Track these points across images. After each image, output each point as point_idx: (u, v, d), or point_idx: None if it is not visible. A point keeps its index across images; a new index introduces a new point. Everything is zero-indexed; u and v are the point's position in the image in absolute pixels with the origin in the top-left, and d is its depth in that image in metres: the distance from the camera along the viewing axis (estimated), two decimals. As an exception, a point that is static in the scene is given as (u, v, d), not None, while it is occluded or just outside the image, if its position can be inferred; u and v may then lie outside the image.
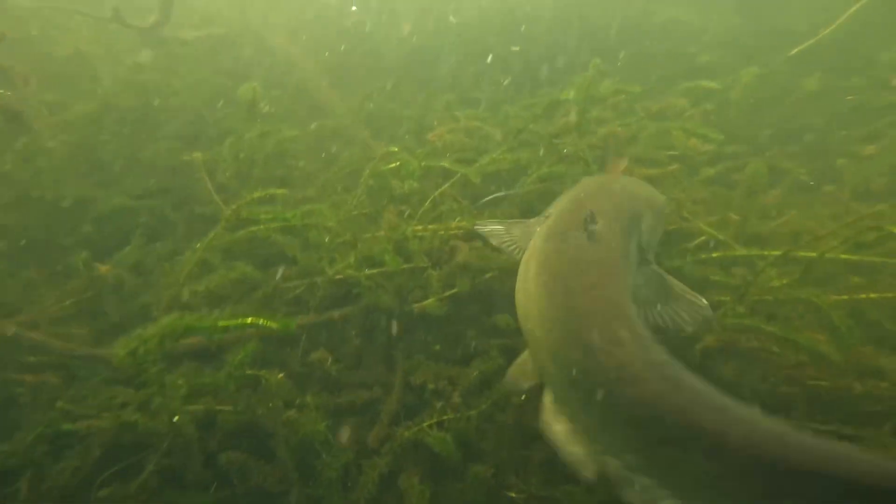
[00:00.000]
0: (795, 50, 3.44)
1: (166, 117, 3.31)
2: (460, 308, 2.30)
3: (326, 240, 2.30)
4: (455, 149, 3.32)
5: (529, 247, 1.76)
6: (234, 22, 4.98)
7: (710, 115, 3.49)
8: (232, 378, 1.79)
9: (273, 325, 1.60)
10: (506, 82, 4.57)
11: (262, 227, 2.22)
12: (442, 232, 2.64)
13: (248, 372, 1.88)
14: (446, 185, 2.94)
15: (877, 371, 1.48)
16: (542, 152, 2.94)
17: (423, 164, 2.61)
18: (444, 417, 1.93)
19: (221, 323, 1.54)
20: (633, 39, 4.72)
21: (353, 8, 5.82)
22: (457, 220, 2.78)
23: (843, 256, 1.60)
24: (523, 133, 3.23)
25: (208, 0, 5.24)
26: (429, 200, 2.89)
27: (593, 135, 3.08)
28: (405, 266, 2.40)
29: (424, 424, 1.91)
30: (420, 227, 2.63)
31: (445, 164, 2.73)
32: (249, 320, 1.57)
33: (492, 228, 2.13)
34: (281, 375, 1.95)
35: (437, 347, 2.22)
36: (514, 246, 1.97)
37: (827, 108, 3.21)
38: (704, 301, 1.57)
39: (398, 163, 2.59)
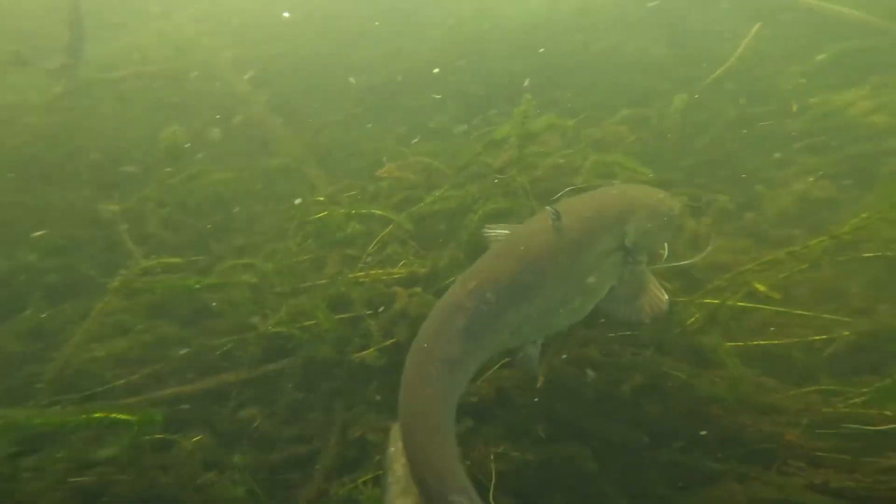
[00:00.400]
0: (711, 78, 3.79)
1: (84, 164, 3.15)
2: (402, 356, 2.32)
3: (248, 297, 2.26)
4: (403, 186, 3.31)
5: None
6: (173, 58, 4.87)
7: (648, 143, 3.75)
8: (127, 450, 1.66)
9: (130, 418, 1.48)
10: (455, 113, 4.71)
11: (181, 286, 2.16)
12: (385, 277, 2.67)
13: (158, 437, 1.77)
14: (391, 227, 2.97)
15: (775, 408, 1.64)
16: (480, 189, 3.05)
17: (352, 211, 2.64)
18: (381, 472, 1.92)
19: (42, 421, 1.36)
20: (576, 69, 5.03)
21: (286, 14, 5.79)
22: (401, 262, 2.83)
23: (741, 304, 1.81)
24: (469, 168, 3.33)
25: (140, 37, 5.10)
26: (374, 242, 2.92)
27: (536, 168, 3.22)
28: (345, 315, 2.40)
29: (360, 480, 1.89)
30: (362, 274, 2.65)
31: (376, 210, 2.77)
32: (97, 415, 1.45)
33: (497, 233, 2.20)
34: (198, 438, 1.86)
35: (378, 398, 2.22)
36: None
37: (744, 134, 3.43)
38: (666, 297, 1.75)
39: (325, 212, 2.60)
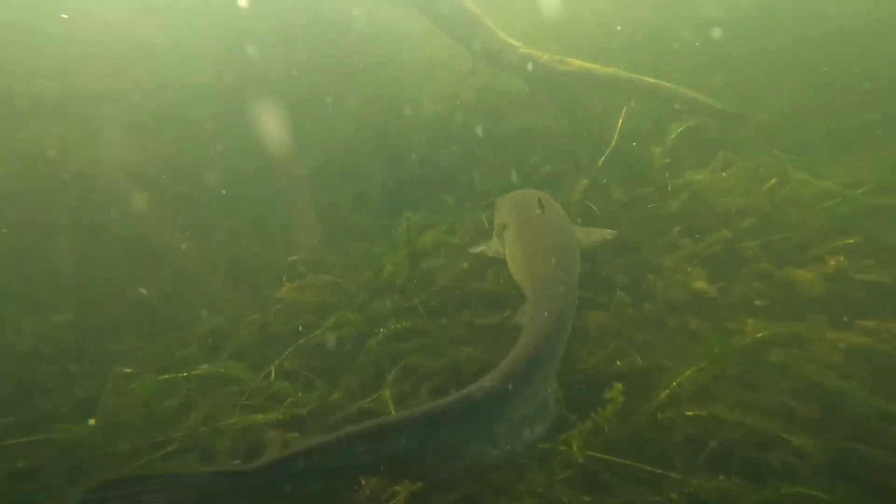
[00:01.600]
0: (602, 159, 4.31)
1: None
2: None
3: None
4: (303, 309, 3.35)
5: (507, 237, 3.08)
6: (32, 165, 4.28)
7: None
8: None
9: None
10: (374, 207, 4.85)
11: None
12: (261, 419, 2.61)
13: None
14: (280, 360, 2.94)
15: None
16: (383, 310, 3.11)
17: (160, 377, 2.58)
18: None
19: None
20: (490, 151, 5.50)
21: (63, 15, 5.52)
22: (287, 401, 2.70)
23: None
24: (371, 286, 3.33)
25: None
26: (261, 376, 2.87)
27: (434, 284, 3.25)
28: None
29: None
30: (234, 421, 2.59)
31: (204, 369, 2.71)
32: None
33: (481, 249, 3.33)
34: None
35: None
36: (499, 249, 3.23)
37: (634, 216, 3.72)
38: (613, 231, 3.19)
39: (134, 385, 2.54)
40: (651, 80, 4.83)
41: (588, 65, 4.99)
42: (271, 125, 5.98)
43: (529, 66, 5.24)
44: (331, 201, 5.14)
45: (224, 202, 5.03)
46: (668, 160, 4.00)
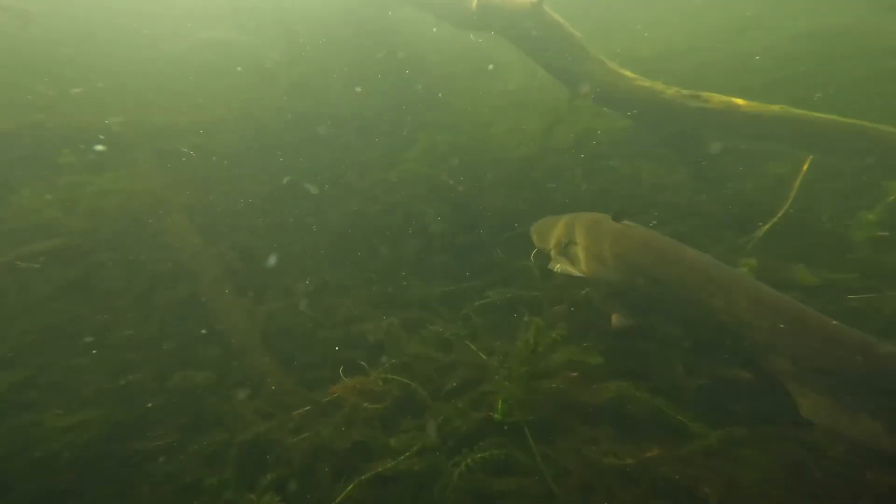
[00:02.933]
0: (763, 229, 3.40)
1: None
2: None
3: None
4: (362, 417, 2.74)
5: (587, 252, 3.30)
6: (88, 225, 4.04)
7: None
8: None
9: None
10: (444, 269, 4.22)
11: None
12: None
13: None
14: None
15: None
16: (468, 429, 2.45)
17: None
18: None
19: None
20: (593, 205, 4.64)
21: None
22: None
23: None
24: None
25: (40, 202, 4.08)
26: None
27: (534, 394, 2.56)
28: None
29: None
30: None
31: None
32: None
33: (560, 266, 3.42)
34: None
35: None
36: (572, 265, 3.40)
37: (829, 309, 2.77)
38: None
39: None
40: (845, 119, 3.76)
41: (735, 100, 4.09)
42: (331, 169, 5.57)
43: (649, 103, 4.45)
44: (392, 260, 4.52)
45: (279, 256, 4.61)
46: (885, 233, 3.02)
